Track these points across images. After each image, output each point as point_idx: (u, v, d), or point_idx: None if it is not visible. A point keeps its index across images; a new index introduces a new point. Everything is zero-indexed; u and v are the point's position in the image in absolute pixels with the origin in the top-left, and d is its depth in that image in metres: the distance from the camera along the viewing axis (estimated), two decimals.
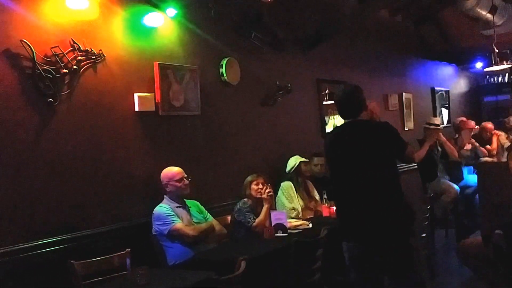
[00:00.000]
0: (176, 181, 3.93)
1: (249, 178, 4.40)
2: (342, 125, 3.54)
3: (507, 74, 10.22)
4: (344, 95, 3.41)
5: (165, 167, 4.01)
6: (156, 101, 4.12)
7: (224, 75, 4.80)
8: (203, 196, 4.30)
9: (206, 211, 4.16)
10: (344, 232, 3.36)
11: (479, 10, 6.97)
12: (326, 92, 6.18)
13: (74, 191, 3.52)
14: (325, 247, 3.76)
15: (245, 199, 4.34)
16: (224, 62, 4.79)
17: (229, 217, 4.43)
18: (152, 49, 4.16)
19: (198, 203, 4.16)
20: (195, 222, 3.95)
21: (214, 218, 4.17)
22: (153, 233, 3.81)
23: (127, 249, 3.44)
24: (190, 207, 4.06)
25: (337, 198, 3.52)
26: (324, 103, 6.20)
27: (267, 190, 4.35)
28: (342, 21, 6.38)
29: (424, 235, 5.42)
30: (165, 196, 3.96)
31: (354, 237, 3.28)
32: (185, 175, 3.98)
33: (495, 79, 10.67)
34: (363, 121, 3.41)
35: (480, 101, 10.85)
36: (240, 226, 4.25)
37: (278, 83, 5.41)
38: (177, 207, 3.94)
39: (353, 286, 3.37)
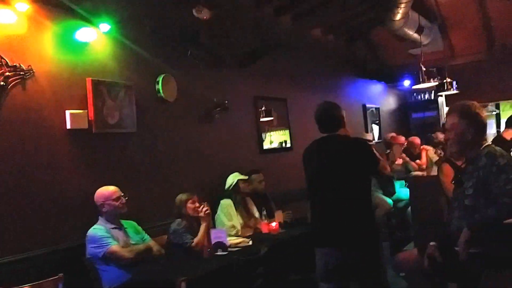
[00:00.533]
0: (113, 200, 3.80)
1: (183, 197, 4.28)
2: (320, 138, 3.75)
3: (433, 92, 10.69)
4: (324, 111, 3.70)
5: (100, 187, 3.87)
6: (89, 118, 3.97)
7: (161, 91, 4.72)
8: (140, 216, 4.17)
9: (144, 231, 4.03)
10: (318, 238, 3.56)
11: (406, 30, 7.27)
12: (263, 109, 6.21)
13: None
14: (266, 264, 3.73)
15: (179, 220, 4.21)
16: (160, 78, 4.71)
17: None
18: (84, 65, 4.03)
19: (135, 223, 4.03)
20: (132, 243, 3.82)
21: (151, 238, 4.05)
22: (87, 256, 3.65)
23: (59, 274, 3.25)
24: (127, 227, 3.93)
25: (312, 207, 3.71)
26: (262, 119, 6.22)
27: (204, 208, 4.26)
28: (277, 39, 6.47)
29: None
30: (100, 217, 3.81)
31: (329, 242, 3.50)
32: (122, 194, 3.85)
33: (422, 96, 11.14)
34: (340, 136, 3.65)
35: (409, 117, 11.27)
36: (177, 247, 4.14)
37: (215, 100, 5.38)
38: (112, 228, 3.80)
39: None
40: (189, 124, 5.10)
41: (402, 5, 6.47)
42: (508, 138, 5.54)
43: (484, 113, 3.18)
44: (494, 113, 10.28)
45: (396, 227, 6.77)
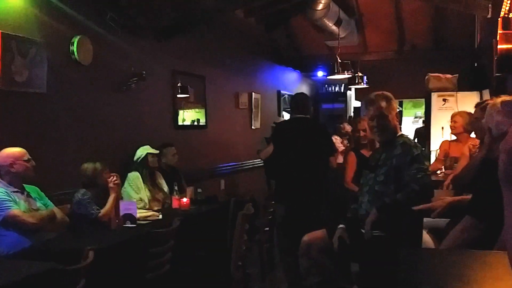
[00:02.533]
0: (25, 161, 3.56)
1: (97, 166, 4.10)
2: (293, 117, 4.98)
3: (343, 85, 11.11)
4: (302, 96, 5.01)
5: (1, 148, 3.59)
6: None
7: (75, 53, 4.45)
8: (44, 182, 3.91)
9: (47, 198, 3.80)
10: (280, 197, 4.70)
11: (326, 21, 7.46)
12: (180, 85, 6.09)
13: None
14: (176, 238, 3.68)
15: (84, 190, 4.04)
16: (76, 39, 4.44)
17: None
18: None
19: (37, 189, 3.79)
20: (34, 209, 3.60)
21: (55, 206, 3.83)
22: None
23: None
24: (30, 192, 3.69)
25: (279, 173, 4.84)
26: (178, 95, 6.10)
27: (113, 179, 4.13)
28: (199, 15, 6.36)
29: (267, 229, 5.63)
30: (1, 180, 3.54)
31: (288, 200, 4.63)
32: (29, 156, 3.61)
33: (333, 88, 11.54)
34: (310, 118, 4.87)
35: (319, 108, 11.63)
36: (81, 218, 3.96)
37: (133, 69, 5.19)
38: (14, 192, 3.54)
39: (280, 243, 5.00)
40: (103, 91, 4.88)
41: None
42: None
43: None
44: (398, 110, 10.89)
45: None
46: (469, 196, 2.57)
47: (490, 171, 2.26)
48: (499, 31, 3.79)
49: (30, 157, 3.61)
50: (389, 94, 3.33)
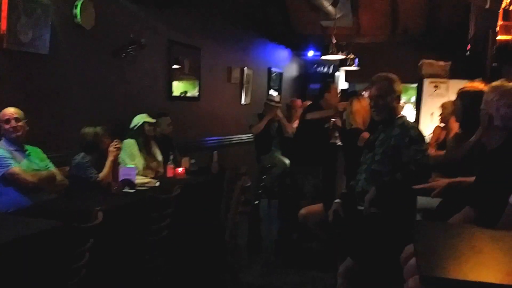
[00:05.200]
0: (3, 122, 3.55)
1: (99, 131, 4.14)
2: None
3: (332, 66, 11.17)
4: None
5: (4, 107, 3.60)
6: (1, 32, 3.64)
7: (78, 17, 4.43)
8: (45, 143, 3.95)
9: (48, 160, 3.83)
10: None
11: (323, 1, 7.48)
12: (177, 56, 6.09)
13: None
14: (175, 205, 3.76)
15: (84, 153, 4.08)
16: (79, 2, 4.41)
17: None
18: None
19: (39, 150, 3.82)
20: (35, 169, 3.63)
21: (55, 167, 3.87)
22: None
23: None
24: (31, 152, 3.71)
25: None
26: (174, 66, 6.10)
27: (114, 143, 4.17)
28: None
29: (257, 202, 5.76)
30: (3, 138, 3.56)
31: None
32: (16, 117, 3.58)
33: (322, 69, 11.59)
34: None
35: (306, 87, 11.69)
36: (80, 181, 4.00)
37: (132, 36, 5.18)
38: (14, 150, 3.57)
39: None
40: (103, 56, 4.87)
41: None
42: None
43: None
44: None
45: (289, 186, 7.06)
46: (468, 179, 2.67)
47: (492, 161, 2.37)
48: (500, 22, 3.90)
49: (16, 116, 3.57)
50: (393, 76, 3.42)
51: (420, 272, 1.25)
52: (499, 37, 3.81)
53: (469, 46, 6.42)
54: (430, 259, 1.36)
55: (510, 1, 3.95)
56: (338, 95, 5.95)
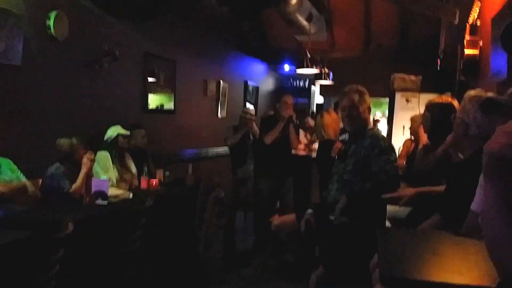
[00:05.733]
0: None
1: (73, 141, 4.12)
2: None
3: (308, 80, 11.31)
4: None
5: None
6: None
7: (52, 28, 4.42)
8: (17, 155, 3.91)
9: (19, 171, 3.79)
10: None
11: (298, 15, 7.60)
12: (152, 68, 6.11)
13: None
14: (148, 217, 3.75)
15: (58, 164, 4.06)
16: (53, 14, 4.41)
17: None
18: None
19: (10, 161, 3.77)
20: (5, 179, 3.58)
21: (27, 179, 3.83)
22: None
23: None
24: (1, 164, 3.66)
25: None
26: (149, 79, 6.11)
27: (87, 155, 4.16)
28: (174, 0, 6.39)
29: (232, 214, 5.75)
30: None
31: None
32: None
33: (297, 83, 11.73)
34: None
35: None
36: (52, 192, 3.97)
37: (106, 48, 5.19)
38: None
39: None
40: (76, 67, 4.86)
41: None
42: None
43: None
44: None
45: (267, 198, 7.07)
46: (435, 188, 2.74)
47: (464, 170, 2.43)
48: (467, 37, 4.03)
49: None
50: (362, 88, 3.50)
51: (379, 272, 1.29)
52: (466, 52, 3.93)
53: (439, 61, 6.58)
54: (391, 260, 1.40)
55: (476, 17, 4.09)
56: (290, 105, 5.99)
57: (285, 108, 5.83)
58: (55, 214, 3.27)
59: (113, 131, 4.96)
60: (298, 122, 6.17)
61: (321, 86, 10.37)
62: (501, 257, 0.98)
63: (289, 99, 5.97)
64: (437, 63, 6.64)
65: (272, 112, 6.40)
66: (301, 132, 8.50)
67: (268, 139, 5.68)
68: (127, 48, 5.64)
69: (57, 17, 4.46)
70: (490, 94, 2.40)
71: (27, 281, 2.53)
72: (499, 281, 1.02)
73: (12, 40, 3.98)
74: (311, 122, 8.74)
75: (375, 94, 10.67)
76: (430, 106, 3.57)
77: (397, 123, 6.55)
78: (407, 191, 2.87)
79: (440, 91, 5.30)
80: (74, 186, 3.99)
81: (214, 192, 4.09)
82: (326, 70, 8.41)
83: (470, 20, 4.00)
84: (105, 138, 4.95)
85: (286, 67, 10.28)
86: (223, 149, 7.46)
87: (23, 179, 3.76)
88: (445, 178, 3.03)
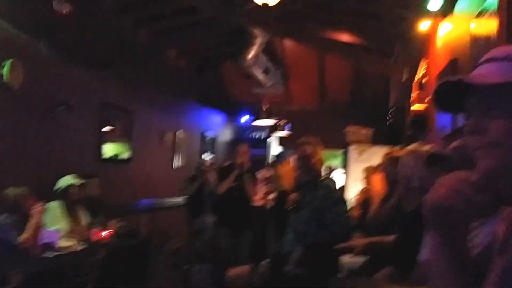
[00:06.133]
0: None
1: (23, 191, 4.00)
2: None
3: (264, 132, 11.46)
4: None
5: None
6: None
7: (6, 77, 4.38)
8: None
9: None
10: None
11: (254, 69, 7.81)
12: (108, 118, 6.08)
13: None
14: (98, 270, 3.65)
15: (6, 214, 3.92)
16: (7, 62, 4.39)
17: None
18: None
19: None
20: None
21: None
22: None
23: None
24: None
25: None
26: (105, 128, 6.07)
27: (36, 206, 4.04)
28: (134, 51, 6.47)
29: (187, 267, 5.64)
30: None
31: None
32: None
33: (255, 135, 11.86)
34: None
35: None
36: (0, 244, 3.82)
37: (61, 97, 5.15)
38: None
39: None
40: (29, 117, 4.79)
41: (255, 47, 6.98)
42: None
43: None
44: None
45: (224, 249, 6.98)
46: (386, 237, 2.79)
47: (410, 222, 2.49)
48: (414, 94, 4.23)
49: None
50: (315, 140, 3.59)
51: None
52: (413, 107, 4.12)
53: (389, 116, 6.83)
54: None
55: (423, 74, 4.31)
56: (243, 153, 6.06)
57: (238, 156, 5.88)
58: (1, 267, 3.14)
59: (64, 182, 4.86)
60: (253, 173, 6.18)
61: (280, 137, 10.53)
62: None
63: (243, 148, 6.03)
64: (388, 118, 6.89)
65: (228, 162, 6.42)
66: (259, 183, 8.56)
67: (221, 188, 5.68)
68: (84, 97, 5.61)
69: (12, 66, 4.42)
70: (426, 147, 2.51)
71: None
72: None
73: None
74: (267, 173, 8.81)
75: (330, 145, 10.94)
76: (390, 159, 3.61)
77: (352, 174, 6.69)
78: (359, 241, 2.92)
79: (391, 143, 5.49)
80: (22, 237, 3.84)
81: (168, 244, 4.02)
82: (282, 122, 8.58)
83: (416, 77, 4.22)
84: (55, 188, 4.84)
85: (244, 119, 10.41)
86: (179, 200, 7.40)
87: None
88: (397, 229, 3.10)
